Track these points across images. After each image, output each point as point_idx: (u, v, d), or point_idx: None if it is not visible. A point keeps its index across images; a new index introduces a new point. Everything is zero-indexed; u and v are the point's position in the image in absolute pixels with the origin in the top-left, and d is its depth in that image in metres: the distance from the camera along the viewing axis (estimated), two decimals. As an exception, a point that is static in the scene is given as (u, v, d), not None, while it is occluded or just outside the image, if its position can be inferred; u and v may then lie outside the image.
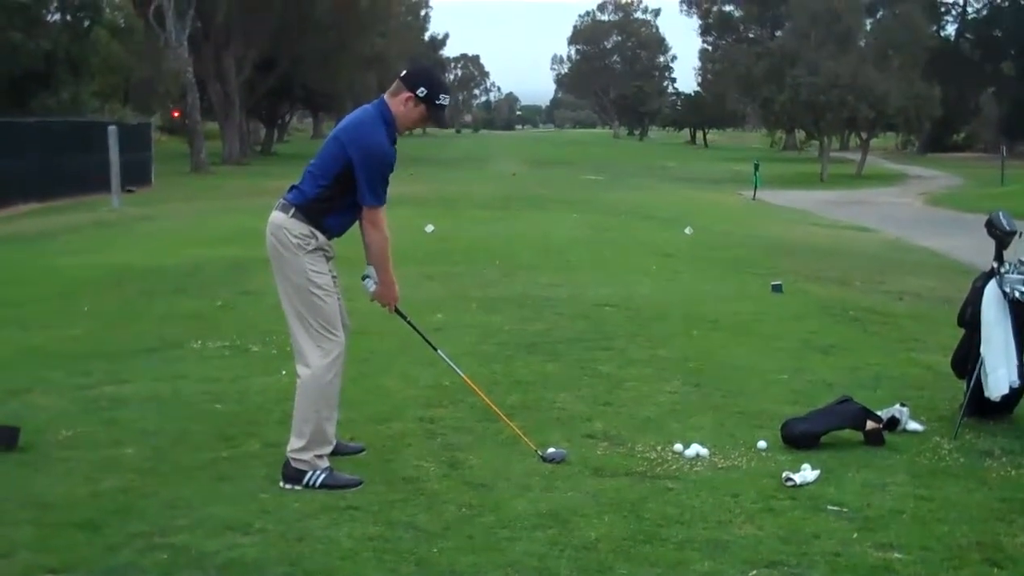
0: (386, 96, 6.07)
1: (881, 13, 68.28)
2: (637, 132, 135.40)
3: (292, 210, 6.00)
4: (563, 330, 10.39)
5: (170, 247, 17.78)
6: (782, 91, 59.16)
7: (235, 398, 7.85)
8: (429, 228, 18.02)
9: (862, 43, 63.45)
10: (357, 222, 6.10)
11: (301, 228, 5.97)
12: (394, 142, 6.04)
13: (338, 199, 5.95)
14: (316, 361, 5.99)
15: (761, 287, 12.80)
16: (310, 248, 5.97)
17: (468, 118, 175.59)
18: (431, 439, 6.86)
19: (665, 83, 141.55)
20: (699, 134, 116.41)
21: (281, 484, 5.97)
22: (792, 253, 15.68)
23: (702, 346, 9.74)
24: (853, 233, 23.71)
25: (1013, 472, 6.32)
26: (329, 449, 6.11)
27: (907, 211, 34.81)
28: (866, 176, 58.44)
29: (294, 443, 6.02)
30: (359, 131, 5.99)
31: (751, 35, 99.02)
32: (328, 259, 6.10)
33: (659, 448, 6.65)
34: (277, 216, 6.05)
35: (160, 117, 60.58)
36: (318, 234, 5.99)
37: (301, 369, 6.05)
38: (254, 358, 9.11)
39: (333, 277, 6.18)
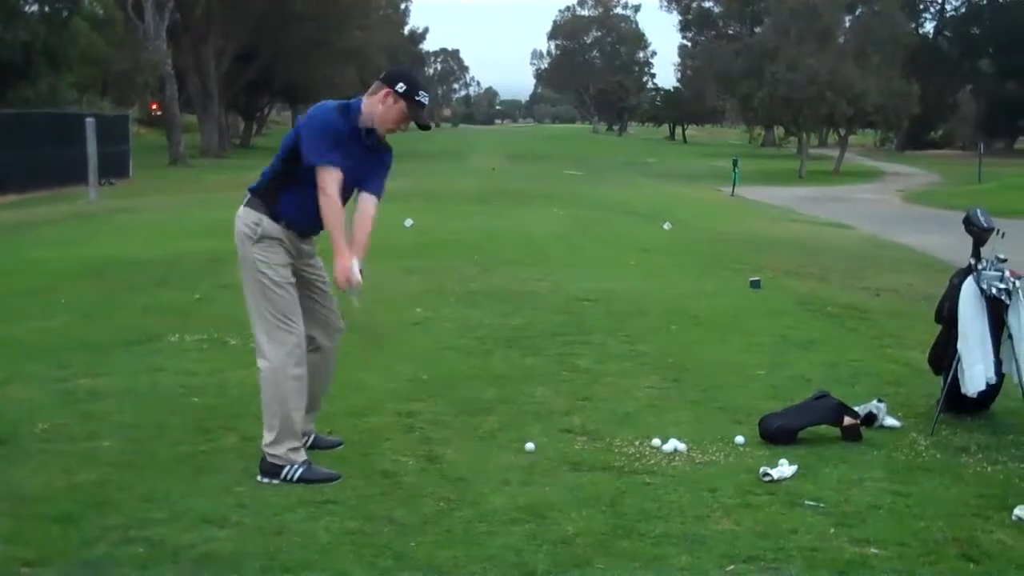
0: (364, 96, 6.07)
1: (860, 10, 68.36)
2: (616, 127, 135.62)
3: (248, 197, 6.09)
4: (542, 324, 10.39)
5: (148, 240, 17.73)
6: (761, 87, 59.27)
7: (213, 391, 7.83)
8: (408, 223, 18.02)
9: (841, 40, 63.59)
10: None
11: (250, 217, 6.00)
12: (361, 136, 5.99)
13: (290, 176, 5.95)
14: (271, 353, 5.98)
15: (740, 283, 12.82)
16: (256, 237, 5.96)
17: (447, 112, 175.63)
18: (409, 433, 6.86)
19: (645, 79, 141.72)
20: (678, 130, 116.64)
21: (258, 478, 5.96)
22: (770, 249, 15.71)
23: (681, 341, 9.76)
24: (831, 229, 23.78)
25: (989, 468, 6.35)
26: (298, 443, 6.09)
27: (885, 208, 34.94)
28: (844, 173, 58.70)
29: (266, 437, 6.00)
30: (310, 109, 6.12)
31: (730, 31, 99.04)
32: (287, 251, 6.08)
33: (637, 443, 6.66)
34: (239, 208, 6.11)
35: (139, 109, 60.31)
36: (264, 220, 5.97)
37: (260, 362, 6.05)
38: (232, 351, 9.08)
39: (313, 275, 6.19)
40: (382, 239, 6.33)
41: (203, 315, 10.71)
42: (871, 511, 5.57)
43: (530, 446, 6.44)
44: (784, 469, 6.07)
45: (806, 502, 5.68)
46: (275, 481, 5.91)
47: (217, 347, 9.30)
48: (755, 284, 12.54)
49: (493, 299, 11.71)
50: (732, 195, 37.26)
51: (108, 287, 12.65)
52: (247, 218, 6.01)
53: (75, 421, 7.05)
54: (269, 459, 5.97)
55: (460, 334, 9.90)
